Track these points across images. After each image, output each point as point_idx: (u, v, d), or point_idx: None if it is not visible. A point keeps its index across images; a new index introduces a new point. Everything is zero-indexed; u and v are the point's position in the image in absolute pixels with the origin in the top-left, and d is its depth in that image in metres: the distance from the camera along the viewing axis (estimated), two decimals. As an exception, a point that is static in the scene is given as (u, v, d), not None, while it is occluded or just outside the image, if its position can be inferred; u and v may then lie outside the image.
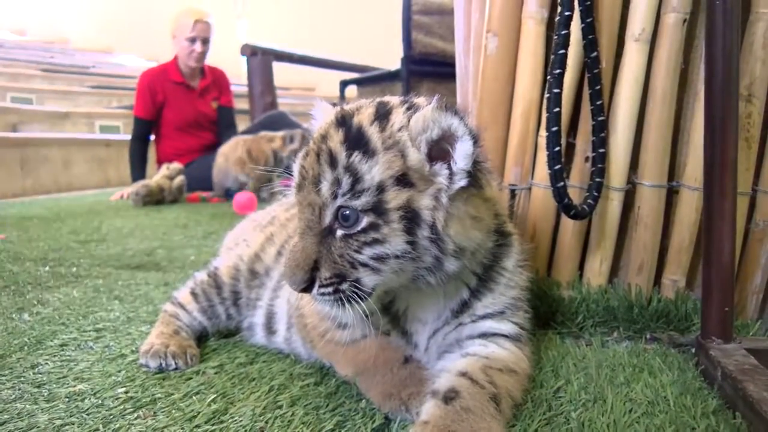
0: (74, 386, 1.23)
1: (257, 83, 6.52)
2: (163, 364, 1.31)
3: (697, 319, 1.46)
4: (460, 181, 1.00)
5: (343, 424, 1.06)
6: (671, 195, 1.55)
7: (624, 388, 1.18)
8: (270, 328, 1.43)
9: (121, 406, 1.14)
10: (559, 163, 1.30)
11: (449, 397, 0.99)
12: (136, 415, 1.11)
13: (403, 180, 0.97)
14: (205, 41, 5.26)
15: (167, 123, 5.21)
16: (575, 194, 1.50)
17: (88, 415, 1.11)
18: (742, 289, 1.54)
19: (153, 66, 5.56)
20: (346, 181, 0.96)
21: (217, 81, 5.52)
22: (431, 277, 1.03)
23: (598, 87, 1.43)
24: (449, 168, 1.00)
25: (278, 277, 1.44)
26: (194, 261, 2.47)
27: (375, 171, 0.96)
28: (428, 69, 4.53)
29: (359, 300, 0.99)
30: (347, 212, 0.97)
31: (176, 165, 4.71)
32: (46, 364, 1.35)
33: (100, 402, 1.16)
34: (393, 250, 0.97)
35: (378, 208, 0.96)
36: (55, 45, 12.55)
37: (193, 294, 1.52)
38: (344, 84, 4.96)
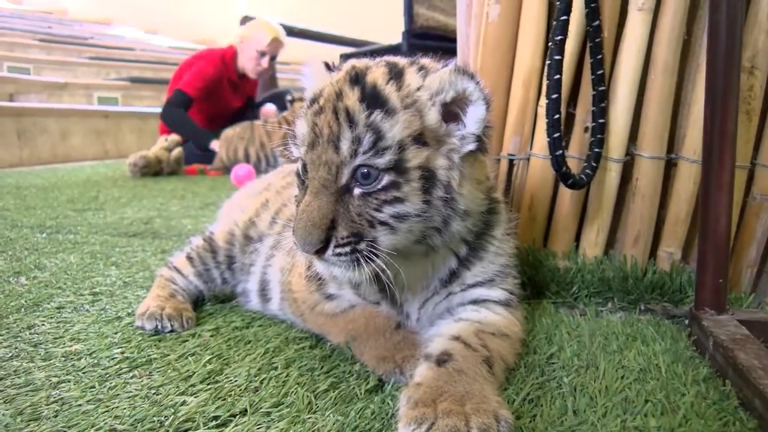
0: (70, 346, 1.24)
1: (257, 57, 6.46)
2: (159, 326, 1.32)
3: (691, 292, 1.47)
4: (470, 144, 1.04)
5: (337, 385, 1.07)
6: (669, 167, 1.54)
7: (617, 355, 1.19)
8: (264, 296, 1.43)
9: (117, 366, 1.15)
10: (558, 131, 1.29)
11: (442, 359, 1.00)
12: (131, 374, 1.12)
13: (420, 139, 0.98)
14: (273, 58, 5.34)
15: (199, 108, 5.07)
16: (574, 165, 1.49)
17: (84, 373, 1.12)
18: (737, 262, 1.54)
19: (214, 49, 5.43)
20: (367, 139, 0.95)
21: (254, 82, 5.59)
22: (437, 239, 1.06)
23: (599, 56, 1.41)
24: (460, 129, 1.03)
25: (272, 243, 1.44)
26: (191, 230, 2.47)
27: (396, 129, 0.96)
28: (430, 43, 4.48)
29: (374, 260, 0.98)
30: (367, 170, 0.97)
31: (174, 137, 4.68)
32: (43, 325, 1.36)
33: (96, 361, 1.17)
34: (412, 209, 0.98)
35: (399, 167, 0.97)
36: (52, 15, 12.41)
37: (189, 258, 1.52)
38: (345, 58, 4.88)
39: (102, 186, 3.92)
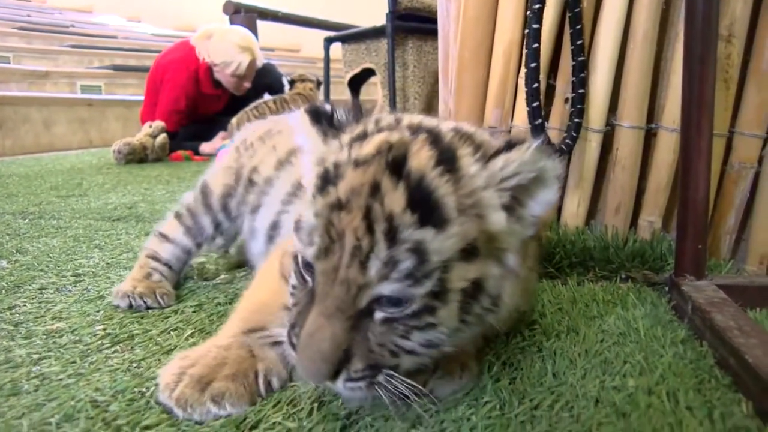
0: (52, 324, 1.24)
1: (241, 42, 6.36)
2: (133, 303, 1.32)
3: (671, 260, 1.48)
4: (529, 231, 0.83)
5: (319, 354, 1.07)
6: (649, 137, 1.55)
7: (597, 320, 1.21)
8: (272, 238, 1.38)
9: (99, 342, 1.15)
10: (538, 101, 1.30)
11: None
12: (113, 349, 1.12)
13: (473, 250, 0.75)
14: (253, 74, 4.90)
15: (180, 110, 4.87)
16: (554, 137, 1.50)
17: (65, 349, 1.11)
18: (716, 230, 1.56)
19: (175, 58, 4.86)
20: (407, 264, 0.71)
21: None
22: (459, 345, 0.88)
23: (578, 26, 1.41)
24: (519, 220, 0.81)
25: (290, 189, 1.35)
26: (176, 213, 2.46)
27: (446, 246, 0.73)
28: (414, 25, 4.45)
29: (393, 384, 0.79)
30: (398, 298, 0.74)
31: (159, 123, 4.64)
32: (24, 305, 1.35)
33: (77, 338, 1.16)
34: (446, 333, 0.78)
35: (437, 290, 0.74)
36: (31, 3, 12.21)
37: (177, 216, 1.51)
38: (329, 41, 4.84)
39: (86, 173, 3.88)
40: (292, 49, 11.91)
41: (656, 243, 1.52)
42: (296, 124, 0.91)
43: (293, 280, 0.85)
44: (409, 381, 0.79)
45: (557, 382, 0.95)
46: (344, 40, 4.58)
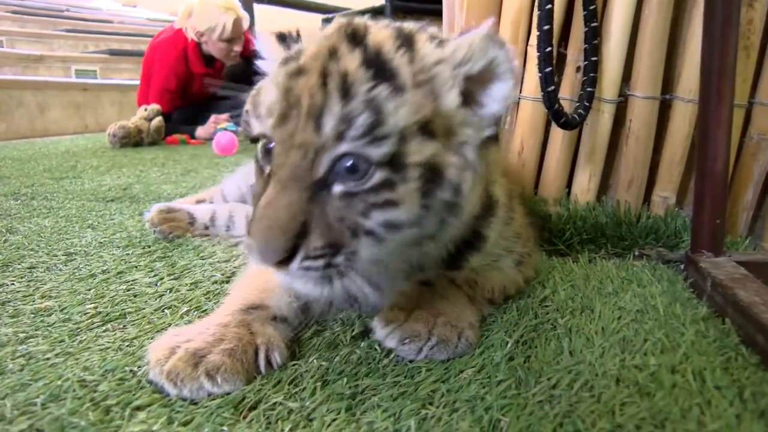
0: (41, 303, 1.18)
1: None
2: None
3: (686, 236, 1.43)
4: (487, 130, 0.83)
5: (321, 333, 1.01)
6: (664, 109, 1.49)
7: (612, 297, 1.15)
8: None
9: (89, 321, 1.09)
10: (551, 66, 1.23)
11: (426, 283, 1.00)
12: (104, 328, 1.06)
13: (427, 129, 0.76)
14: (242, 36, 4.64)
15: (171, 89, 4.75)
16: (566, 107, 1.43)
17: (54, 328, 1.06)
18: (733, 205, 1.50)
19: (164, 39, 4.77)
20: (363, 120, 0.71)
21: None
22: (419, 248, 0.89)
23: (591, -9, 1.34)
24: (476, 114, 0.82)
25: None
26: (170, 195, 2.39)
27: (401, 113, 0.73)
28: (413, 5, 4.37)
29: (349, 275, 0.78)
30: (353, 162, 0.73)
31: (154, 106, 4.55)
32: (12, 284, 1.29)
33: (67, 317, 1.11)
34: (407, 216, 0.77)
35: (396, 162, 0.74)
36: (25, -13, 12.02)
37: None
38: (326, 22, 4.76)
39: (81, 156, 3.81)
40: (290, 34, 11.75)
41: (670, 219, 1.46)
42: (261, 48, 0.91)
43: (253, 180, 0.86)
44: (362, 280, 0.80)
45: (575, 361, 0.90)
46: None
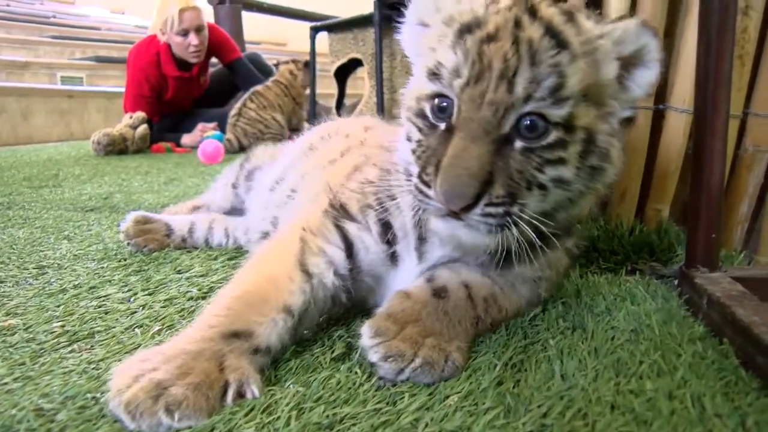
0: (4, 321, 1.11)
1: (225, 35, 6.19)
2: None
3: (680, 250, 1.39)
4: (627, 111, 0.92)
5: (299, 354, 0.96)
6: (657, 119, 1.45)
7: (605, 316, 1.10)
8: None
9: (55, 340, 1.03)
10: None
11: (439, 293, 0.97)
12: (70, 348, 1.00)
13: (588, 97, 0.84)
14: (200, 29, 4.55)
15: (145, 95, 4.70)
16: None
17: (15, 349, 1.00)
18: (728, 218, 1.46)
19: (139, 43, 4.80)
20: (549, 83, 0.80)
21: (211, 47, 4.84)
22: (561, 214, 0.94)
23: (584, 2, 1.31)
24: (625, 92, 0.91)
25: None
26: (152, 204, 2.33)
27: (576, 78, 0.82)
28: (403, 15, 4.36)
29: (519, 227, 0.84)
30: (533, 121, 0.82)
31: (139, 113, 4.48)
32: (-24, 301, 1.23)
33: (31, 336, 1.05)
34: (571, 175, 0.86)
35: (568, 123, 0.83)
36: (12, -7, 11.90)
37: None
38: (315, 30, 4.69)
39: (63, 164, 3.73)
40: (279, 43, 11.73)
41: (664, 233, 1.42)
42: (411, 14, 0.96)
43: (417, 136, 0.91)
44: (526, 218, 0.84)
45: (567, 386, 0.85)
46: (331, 29, 4.43)
